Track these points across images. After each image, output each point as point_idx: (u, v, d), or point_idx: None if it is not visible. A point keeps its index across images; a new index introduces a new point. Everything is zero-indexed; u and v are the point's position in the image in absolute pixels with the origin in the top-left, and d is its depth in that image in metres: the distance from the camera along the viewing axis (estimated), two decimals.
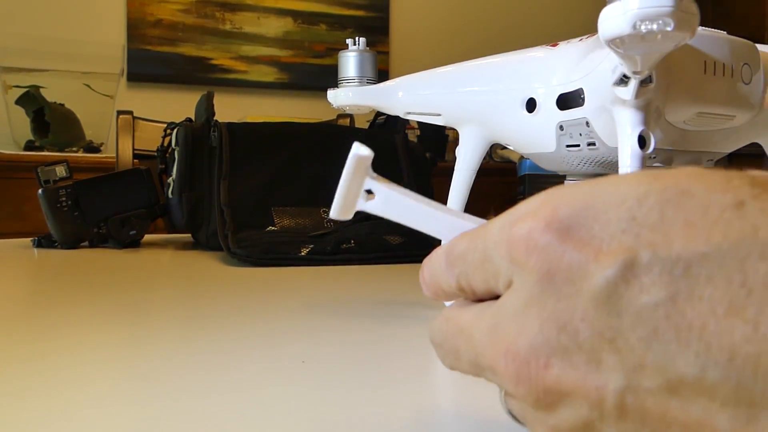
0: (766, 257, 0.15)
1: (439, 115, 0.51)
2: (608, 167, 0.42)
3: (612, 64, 0.36)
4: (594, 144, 0.41)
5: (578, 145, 0.42)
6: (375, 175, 0.27)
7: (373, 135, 1.09)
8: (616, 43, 0.32)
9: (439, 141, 2.56)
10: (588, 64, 0.40)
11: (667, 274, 0.16)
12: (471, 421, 0.30)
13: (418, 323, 0.49)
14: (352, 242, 0.84)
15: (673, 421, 0.16)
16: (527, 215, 0.19)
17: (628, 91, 0.35)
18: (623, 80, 0.35)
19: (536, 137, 0.44)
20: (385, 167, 1.00)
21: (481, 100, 0.47)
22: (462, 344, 0.21)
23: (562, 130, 0.42)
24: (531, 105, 0.44)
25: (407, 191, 0.26)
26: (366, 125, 1.18)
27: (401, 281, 0.73)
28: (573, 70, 0.41)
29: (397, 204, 0.26)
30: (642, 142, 0.36)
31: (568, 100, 0.41)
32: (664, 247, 0.16)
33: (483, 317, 0.20)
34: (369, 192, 0.27)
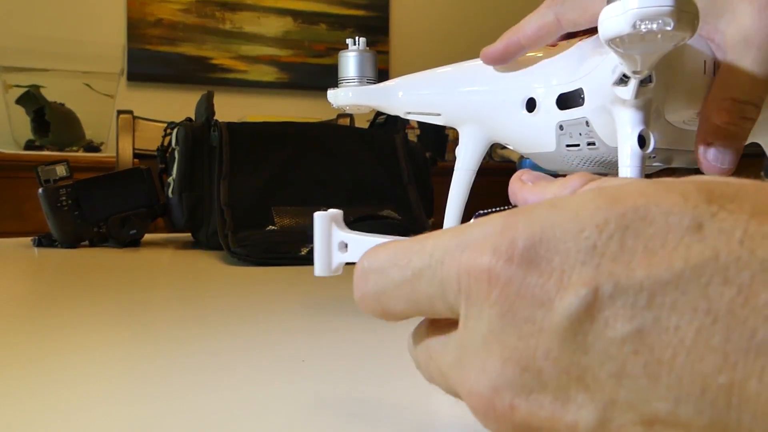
0: (728, 282, 0.15)
1: (439, 114, 0.50)
2: (608, 167, 0.42)
3: (612, 64, 0.36)
4: (594, 144, 0.41)
5: (578, 145, 0.42)
6: (344, 227, 0.29)
7: (373, 135, 1.09)
8: (616, 43, 0.32)
9: (439, 141, 2.56)
10: (588, 64, 0.40)
11: (630, 306, 0.15)
12: (471, 421, 0.30)
13: (418, 321, 0.49)
14: None
15: None
16: (483, 245, 0.17)
17: (628, 91, 0.35)
18: (623, 80, 0.35)
19: (536, 137, 0.44)
20: (385, 167, 1.01)
21: (480, 99, 0.47)
22: (434, 372, 0.21)
23: (562, 129, 0.42)
24: (531, 105, 0.44)
25: (378, 236, 0.28)
26: (366, 125, 1.18)
27: None
28: (573, 69, 0.41)
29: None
30: (642, 141, 0.36)
31: (567, 100, 0.41)
32: (626, 277, 0.15)
33: (447, 349, 0.20)
34: (346, 245, 0.29)
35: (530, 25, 0.42)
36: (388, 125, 1.11)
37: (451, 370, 0.19)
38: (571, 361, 0.16)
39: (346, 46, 0.53)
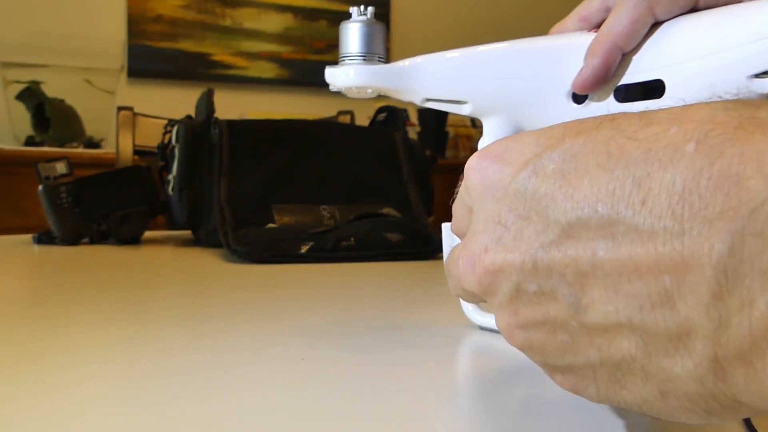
0: (607, 144, 0.21)
1: (466, 103, 0.43)
2: None
3: (741, 54, 0.33)
4: None
5: None
6: None
7: (374, 132, 1.09)
8: None
9: (439, 138, 2.56)
10: (674, 52, 0.36)
11: (559, 161, 0.22)
12: (473, 420, 0.30)
13: (417, 320, 0.49)
14: (352, 240, 0.84)
15: (570, 262, 0.21)
16: (473, 156, 0.25)
17: None
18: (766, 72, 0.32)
19: None
20: (385, 165, 1.01)
21: (519, 87, 0.42)
22: (451, 269, 0.26)
23: None
24: (579, 96, 0.40)
25: None
26: (366, 122, 1.18)
27: (401, 278, 0.73)
28: (646, 58, 0.37)
29: None
30: None
31: (632, 92, 0.38)
32: (556, 146, 0.22)
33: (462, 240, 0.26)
34: None
35: (621, 21, 0.37)
36: (388, 122, 1.11)
37: (457, 260, 0.25)
38: (523, 207, 0.22)
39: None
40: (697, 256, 0.18)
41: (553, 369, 0.23)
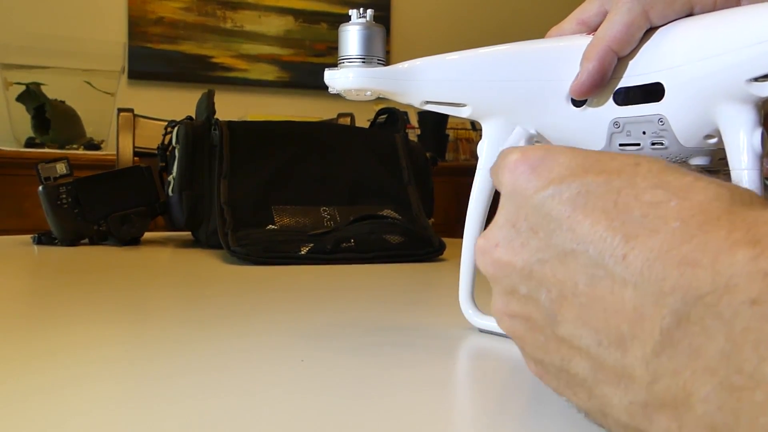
0: (637, 188, 0.23)
1: (466, 105, 0.43)
2: None
3: (738, 58, 0.33)
4: (662, 144, 0.38)
5: (638, 144, 0.38)
6: None
7: (374, 134, 1.09)
8: None
9: (439, 141, 2.56)
10: (672, 55, 0.36)
11: (575, 193, 0.24)
12: (472, 421, 0.30)
13: (417, 322, 0.49)
14: (352, 241, 0.84)
15: (556, 282, 0.24)
16: (513, 152, 0.27)
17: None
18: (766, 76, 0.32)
19: (580, 134, 0.40)
20: (385, 167, 1.01)
21: (519, 90, 0.42)
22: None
23: (618, 126, 0.39)
24: (578, 99, 0.40)
25: None
26: (366, 124, 1.18)
27: (401, 280, 0.73)
28: (644, 62, 0.37)
29: None
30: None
31: (631, 95, 0.38)
32: (579, 178, 0.24)
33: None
34: None
35: (616, 25, 0.37)
36: (388, 125, 1.11)
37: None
38: (536, 221, 0.25)
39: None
40: (652, 317, 0.20)
41: (528, 357, 0.27)
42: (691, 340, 0.19)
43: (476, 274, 0.45)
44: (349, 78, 0.43)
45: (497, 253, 0.26)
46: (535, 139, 0.43)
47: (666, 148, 0.38)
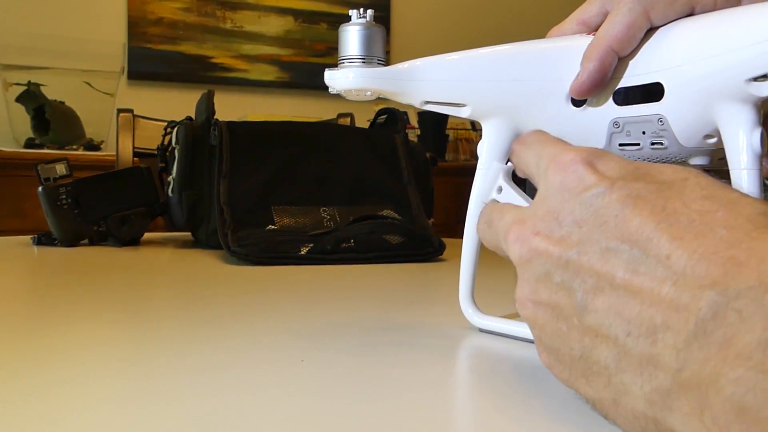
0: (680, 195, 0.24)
1: (466, 105, 0.43)
2: None
3: (738, 58, 0.33)
4: (661, 144, 0.37)
5: (637, 144, 0.38)
6: (509, 180, 0.36)
7: (374, 134, 1.09)
8: None
9: (439, 141, 2.56)
10: (672, 55, 0.36)
11: (625, 195, 0.25)
12: (472, 421, 0.30)
13: (417, 322, 0.49)
14: (352, 241, 0.84)
15: (594, 274, 0.25)
16: (568, 152, 0.28)
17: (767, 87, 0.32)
18: (766, 75, 0.32)
19: (580, 133, 0.40)
20: (385, 167, 1.01)
21: (519, 90, 0.42)
22: (496, 217, 0.31)
23: (618, 126, 0.39)
24: (578, 99, 0.40)
25: (522, 199, 0.35)
26: (366, 125, 1.18)
27: (401, 280, 0.73)
28: (644, 61, 0.37)
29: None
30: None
31: (632, 95, 0.38)
32: (630, 182, 0.26)
33: (504, 216, 0.31)
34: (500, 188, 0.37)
35: (617, 25, 0.37)
36: (388, 125, 1.11)
37: (512, 215, 0.30)
38: (581, 216, 0.26)
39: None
40: (688, 308, 0.21)
41: (542, 345, 0.28)
42: (726, 330, 0.20)
43: (476, 274, 0.45)
44: (349, 78, 0.43)
45: (535, 242, 0.27)
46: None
47: (666, 148, 0.38)
